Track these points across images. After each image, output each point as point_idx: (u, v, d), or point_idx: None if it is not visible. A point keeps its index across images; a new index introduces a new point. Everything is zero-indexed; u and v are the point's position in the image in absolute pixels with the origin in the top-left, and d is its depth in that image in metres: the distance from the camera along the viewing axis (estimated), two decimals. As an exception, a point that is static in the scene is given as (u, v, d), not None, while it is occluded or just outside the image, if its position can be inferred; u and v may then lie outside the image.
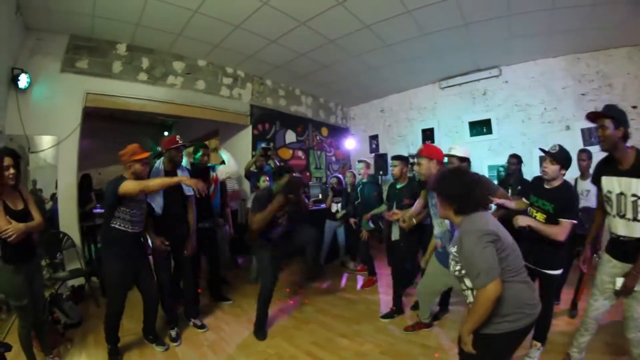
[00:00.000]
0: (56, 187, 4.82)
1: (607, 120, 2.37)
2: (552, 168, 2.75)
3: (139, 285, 3.42)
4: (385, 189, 5.03)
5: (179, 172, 3.83)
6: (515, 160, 4.89)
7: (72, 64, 4.95)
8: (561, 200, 2.70)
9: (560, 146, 2.73)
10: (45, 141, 4.72)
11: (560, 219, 2.64)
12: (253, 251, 4.28)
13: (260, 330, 3.77)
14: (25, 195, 2.90)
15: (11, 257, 2.68)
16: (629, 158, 2.35)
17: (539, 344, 2.89)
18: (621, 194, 2.38)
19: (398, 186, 4.31)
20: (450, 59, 6.50)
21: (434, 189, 2.12)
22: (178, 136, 3.84)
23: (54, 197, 4.80)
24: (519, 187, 4.54)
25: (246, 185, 6.34)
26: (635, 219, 2.29)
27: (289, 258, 4.40)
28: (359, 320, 4.12)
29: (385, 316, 4.12)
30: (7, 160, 2.65)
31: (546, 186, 2.85)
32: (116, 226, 3.12)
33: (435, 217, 3.16)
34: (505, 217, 3.08)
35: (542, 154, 2.88)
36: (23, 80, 4.39)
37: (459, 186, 1.94)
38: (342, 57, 6.35)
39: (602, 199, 2.60)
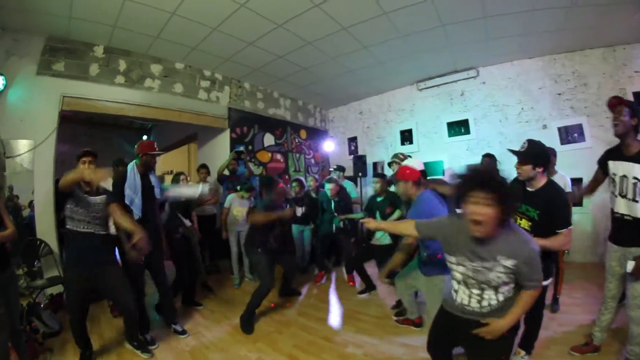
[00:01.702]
0: (33, 194, 4.72)
1: (625, 108, 2.57)
2: (523, 169, 2.58)
3: (110, 296, 3.41)
4: (364, 201, 5.53)
5: (151, 177, 3.86)
6: (489, 159, 4.93)
7: (49, 66, 4.87)
8: (547, 204, 2.48)
9: (529, 142, 2.59)
10: (22, 145, 4.63)
11: (558, 231, 2.43)
12: (250, 257, 4.56)
13: (248, 323, 3.85)
14: None
15: None
16: (635, 146, 2.58)
17: (523, 352, 2.88)
18: (624, 176, 2.63)
19: (379, 199, 4.90)
20: (428, 60, 6.59)
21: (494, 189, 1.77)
22: (156, 143, 3.87)
23: (31, 204, 4.70)
24: None
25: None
26: (634, 200, 2.54)
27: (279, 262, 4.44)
28: (341, 323, 4.17)
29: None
30: None
31: (529, 189, 2.63)
32: (68, 227, 3.09)
33: None
34: None
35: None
36: None
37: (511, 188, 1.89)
38: (320, 59, 6.38)
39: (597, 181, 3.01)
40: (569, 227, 2.44)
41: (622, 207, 2.65)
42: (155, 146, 3.81)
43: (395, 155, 4.58)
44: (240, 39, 5.45)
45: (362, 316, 4.28)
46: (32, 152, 4.69)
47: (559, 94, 6.18)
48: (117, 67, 5.53)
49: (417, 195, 3.11)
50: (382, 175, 5.07)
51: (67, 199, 3.02)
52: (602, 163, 2.89)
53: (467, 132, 7.20)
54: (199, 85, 6.70)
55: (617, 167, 2.71)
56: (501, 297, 1.90)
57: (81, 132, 7.96)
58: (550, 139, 5.78)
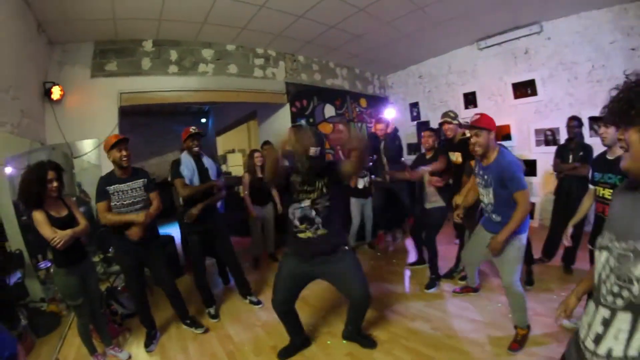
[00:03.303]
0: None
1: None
2: (608, 132, 2.52)
3: (154, 278, 3.69)
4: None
5: (204, 160, 4.05)
6: (576, 122, 4.53)
7: (102, 68, 5.07)
8: None
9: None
10: (87, 145, 4.91)
11: None
12: None
13: None
14: (69, 202, 3.07)
15: (62, 261, 2.90)
16: None
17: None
18: None
19: (427, 157, 4.50)
20: (487, 17, 6.07)
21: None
22: (193, 127, 3.99)
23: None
24: (581, 153, 4.27)
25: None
26: None
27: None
28: (408, 297, 4.19)
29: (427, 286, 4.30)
30: (51, 174, 2.81)
31: (609, 157, 2.61)
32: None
33: (480, 186, 3.00)
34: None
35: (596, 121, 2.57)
36: (56, 92, 4.59)
37: None
38: (374, 26, 6.08)
39: None
40: None
41: None
42: (191, 129, 3.93)
43: (446, 114, 4.37)
44: (288, 12, 5.29)
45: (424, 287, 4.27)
46: (98, 149, 4.89)
47: (633, 49, 5.39)
48: (168, 58, 5.63)
49: (496, 152, 2.81)
50: (432, 130, 4.65)
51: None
52: None
53: (534, 93, 6.63)
54: (253, 64, 6.67)
55: None
56: None
57: (140, 122, 8.21)
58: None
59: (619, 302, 1.02)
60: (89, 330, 3.16)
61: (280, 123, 7.31)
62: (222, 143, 11.96)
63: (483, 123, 2.79)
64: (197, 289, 4.03)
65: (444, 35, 6.89)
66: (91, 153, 4.88)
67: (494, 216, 2.90)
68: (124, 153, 3.24)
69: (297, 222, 2.84)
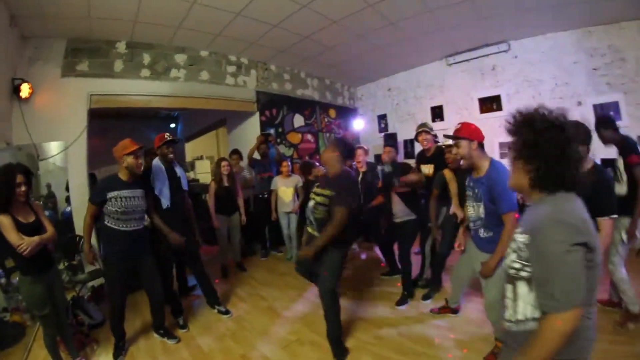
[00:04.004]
0: (67, 189, 4.84)
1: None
2: None
3: (143, 284, 3.57)
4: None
5: (176, 168, 4.05)
6: None
7: (73, 67, 4.93)
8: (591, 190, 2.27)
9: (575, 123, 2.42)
10: (54, 147, 4.73)
11: (598, 219, 2.28)
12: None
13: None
14: (36, 207, 2.99)
15: (28, 269, 2.80)
16: None
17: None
18: None
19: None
20: (457, 34, 6.30)
21: (513, 134, 1.48)
22: (167, 133, 3.95)
23: (68, 199, 4.86)
24: None
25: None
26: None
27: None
28: (376, 305, 4.22)
29: (398, 303, 4.15)
30: (20, 178, 2.73)
31: None
32: (107, 224, 3.27)
33: (470, 199, 2.82)
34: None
35: None
36: (25, 90, 4.39)
37: (554, 142, 1.34)
38: (346, 38, 6.20)
39: None
40: (611, 218, 2.36)
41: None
42: (166, 136, 3.88)
43: (424, 124, 4.39)
44: (264, 21, 5.33)
45: (395, 296, 4.28)
46: (65, 152, 4.77)
47: (595, 69, 5.80)
48: (141, 61, 5.54)
49: (487, 163, 2.66)
50: (392, 145, 4.80)
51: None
52: None
53: (500, 108, 6.92)
54: (225, 71, 6.66)
55: None
56: None
57: (109, 125, 8.02)
58: (585, 117, 5.42)
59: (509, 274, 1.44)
60: (56, 342, 3.05)
61: (250, 131, 7.30)
62: (191, 149, 11.87)
63: (463, 132, 2.71)
64: (166, 299, 3.91)
65: (415, 50, 7.10)
66: (57, 156, 4.72)
67: (482, 231, 2.72)
68: (140, 161, 3.29)
69: (310, 218, 3.18)
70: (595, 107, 5.75)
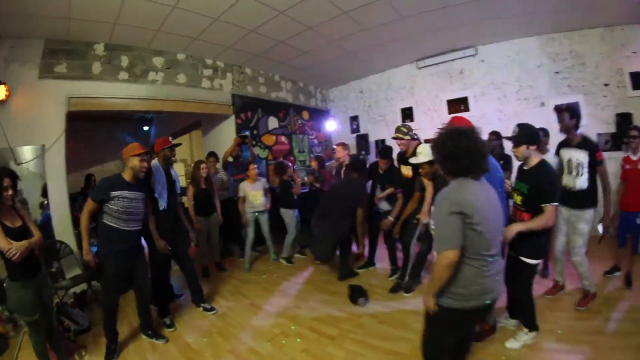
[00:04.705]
0: (43, 195, 4.73)
1: (566, 113, 3.52)
2: (519, 150, 2.82)
3: (134, 284, 3.58)
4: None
5: (171, 171, 4.15)
6: (494, 136, 4.96)
7: (51, 69, 4.83)
8: (535, 181, 2.74)
9: (519, 126, 2.84)
10: (30, 151, 4.61)
11: (542, 205, 2.64)
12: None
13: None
14: (22, 212, 2.96)
15: (17, 274, 2.75)
16: (576, 138, 3.55)
17: (526, 329, 2.99)
18: (569, 160, 3.59)
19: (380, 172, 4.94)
20: (427, 40, 6.55)
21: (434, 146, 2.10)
22: (170, 137, 4.10)
23: (42, 206, 4.74)
24: (501, 162, 4.37)
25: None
26: (576, 175, 3.52)
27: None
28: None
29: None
30: (7, 181, 2.70)
31: (524, 167, 2.91)
32: (107, 222, 3.27)
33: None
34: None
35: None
36: (1, 92, 4.28)
37: (445, 147, 1.96)
38: (320, 43, 6.36)
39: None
40: (553, 204, 2.64)
41: (569, 181, 3.58)
42: (170, 139, 4.06)
43: (398, 129, 4.41)
44: (242, 26, 5.41)
45: (375, 288, 4.55)
46: (42, 157, 4.69)
47: (557, 73, 6.24)
48: (119, 63, 5.50)
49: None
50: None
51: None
52: (557, 151, 3.80)
53: (467, 109, 7.26)
54: (201, 74, 6.69)
55: (565, 153, 3.66)
56: None
57: (82, 127, 7.92)
58: (548, 116, 5.75)
59: None
60: (46, 348, 3.01)
61: (225, 134, 7.36)
62: (164, 152, 11.59)
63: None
64: (155, 299, 3.99)
65: (386, 55, 7.33)
66: (31, 161, 4.61)
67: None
68: (145, 165, 3.33)
69: None
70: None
